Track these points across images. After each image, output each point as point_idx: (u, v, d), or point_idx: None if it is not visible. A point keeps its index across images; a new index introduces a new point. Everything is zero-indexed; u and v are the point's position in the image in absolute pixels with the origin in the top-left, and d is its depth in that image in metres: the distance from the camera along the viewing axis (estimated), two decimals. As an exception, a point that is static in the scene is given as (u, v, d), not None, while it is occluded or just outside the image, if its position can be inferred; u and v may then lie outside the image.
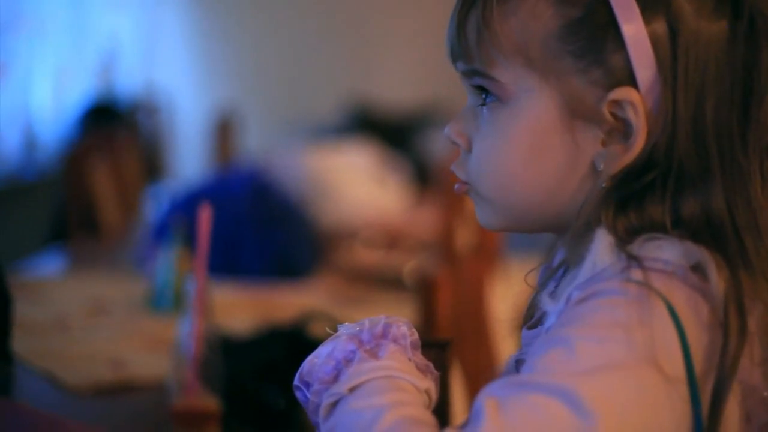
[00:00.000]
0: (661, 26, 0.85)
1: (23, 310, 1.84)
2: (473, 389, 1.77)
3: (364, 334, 0.88)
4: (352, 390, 0.83)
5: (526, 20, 0.87)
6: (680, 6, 0.85)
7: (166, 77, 5.86)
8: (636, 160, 0.86)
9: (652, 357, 0.77)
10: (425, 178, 4.04)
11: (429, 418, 0.81)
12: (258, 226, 2.43)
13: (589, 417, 0.74)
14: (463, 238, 2.67)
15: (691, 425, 0.79)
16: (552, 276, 0.94)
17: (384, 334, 0.88)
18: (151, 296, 2.12)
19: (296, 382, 0.89)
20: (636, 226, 0.85)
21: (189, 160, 5.70)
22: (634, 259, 0.82)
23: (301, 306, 2.04)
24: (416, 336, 0.90)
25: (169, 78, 5.87)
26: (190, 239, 1.98)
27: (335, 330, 0.91)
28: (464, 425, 0.77)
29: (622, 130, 0.86)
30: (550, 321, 0.85)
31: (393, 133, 4.81)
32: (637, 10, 0.85)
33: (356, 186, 3.18)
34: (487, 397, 0.77)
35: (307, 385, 0.88)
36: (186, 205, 2.31)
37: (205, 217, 1.36)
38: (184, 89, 5.91)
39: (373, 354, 0.86)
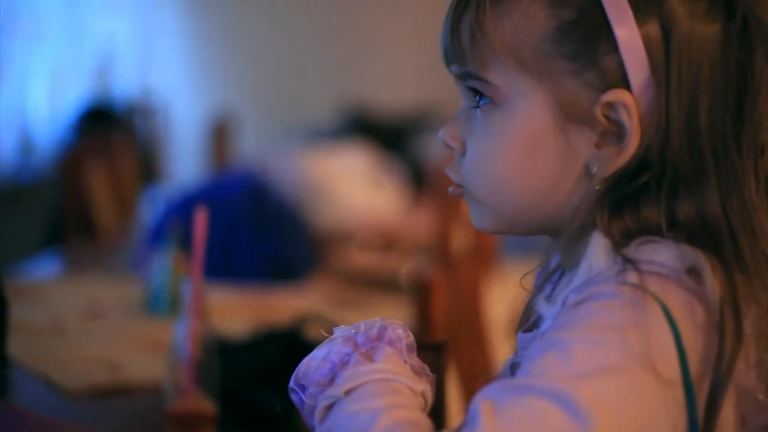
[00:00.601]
0: (654, 28, 0.85)
1: (20, 313, 1.84)
2: (469, 391, 1.78)
3: (360, 337, 0.88)
4: (348, 393, 0.83)
5: (519, 22, 0.87)
6: (673, 7, 0.85)
7: (162, 80, 5.86)
8: (629, 162, 0.86)
9: (647, 359, 0.77)
10: (421, 180, 4.03)
11: (425, 420, 0.81)
12: (254, 228, 2.44)
13: (585, 420, 0.74)
14: (459, 240, 2.67)
15: (687, 428, 0.79)
16: (548, 279, 0.94)
17: (380, 337, 0.88)
18: (147, 299, 2.12)
19: (292, 384, 0.89)
20: (631, 228, 0.85)
21: (185, 163, 5.70)
22: (629, 262, 0.82)
23: (297, 308, 2.04)
24: (412, 338, 0.90)
25: (166, 81, 5.87)
26: (186, 242, 1.98)
27: (331, 333, 0.91)
28: (460, 428, 0.77)
29: (616, 132, 0.86)
30: (546, 324, 0.85)
31: (389, 136, 4.81)
32: (630, 12, 0.85)
33: (352, 189, 3.18)
34: (483, 400, 0.77)
35: (303, 387, 0.88)
36: (182, 208, 2.31)
37: (201, 220, 1.36)
38: (181, 92, 5.91)
39: (369, 357, 0.86)
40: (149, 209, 3.21)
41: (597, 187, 0.87)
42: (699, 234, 0.85)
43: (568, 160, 0.88)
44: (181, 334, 1.35)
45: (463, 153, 0.92)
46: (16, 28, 4.66)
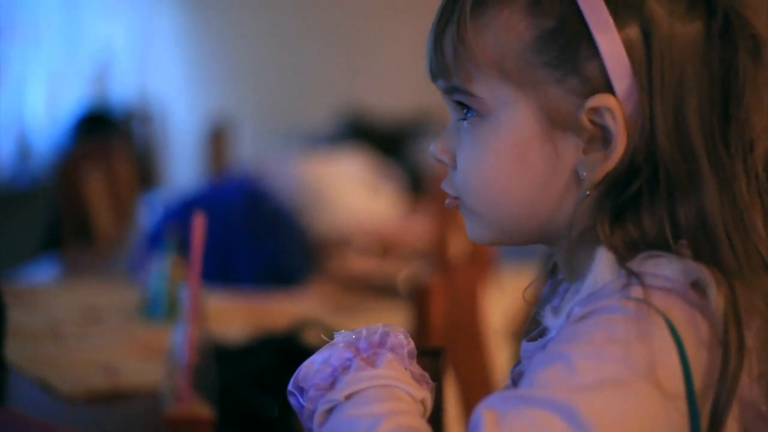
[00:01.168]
0: (634, 31, 0.85)
1: (17, 318, 1.84)
2: (467, 397, 1.78)
3: (362, 343, 0.88)
4: (348, 397, 0.84)
5: (500, 34, 0.88)
6: (652, 9, 0.85)
7: (159, 85, 5.86)
8: (618, 166, 0.86)
9: (650, 373, 0.77)
10: (418, 186, 4.04)
11: (425, 427, 0.81)
12: (251, 234, 2.44)
13: (591, 431, 0.74)
14: (457, 246, 2.67)
15: None
16: (555, 289, 0.95)
17: (381, 343, 0.88)
18: (144, 304, 2.12)
19: (290, 387, 0.89)
20: (635, 238, 0.85)
21: (183, 168, 5.70)
22: (634, 276, 0.82)
23: (295, 314, 2.04)
24: (413, 345, 0.90)
25: (163, 86, 5.87)
26: (183, 247, 1.98)
27: (331, 337, 0.91)
28: None
29: (602, 137, 0.86)
30: (550, 335, 0.85)
31: (386, 141, 4.81)
32: (609, 18, 0.85)
33: (350, 194, 3.18)
34: (485, 409, 0.77)
35: (302, 390, 0.88)
36: (180, 214, 2.32)
37: (198, 225, 1.36)
38: (178, 97, 5.91)
39: (371, 362, 0.87)
40: (147, 214, 3.21)
41: (588, 193, 0.87)
42: (701, 238, 0.85)
43: (556, 166, 0.88)
44: (178, 339, 1.35)
45: (455, 166, 0.93)
46: (14, 33, 4.66)
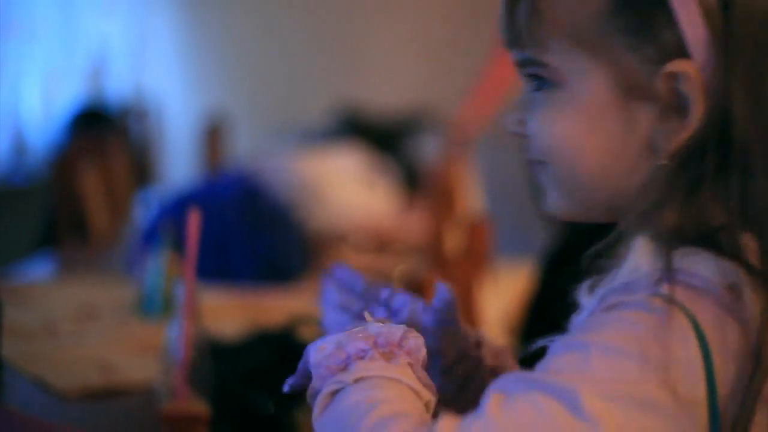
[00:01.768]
0: (713, 1, 0.84)
1: (12, 315, 1.84)
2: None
3: (381, 339, 0.89)
4: (356, 381, 0.85)
5: (574, 1, 0.87)
6: None
7: (155, 82, 5.85)
8: (693, 137, 0.84)
9: (665, 376, 0.76)
10: (414, 182, 4.04)
11: (422, 416, 0.82)
12: (247, 230, 2.44)
13: (590, 422, 0.74)
14: (453, 241, 2.67)
15: None
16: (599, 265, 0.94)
17: (400, 344, 0.89)
18: (140, 301, 2.12)
19: (300, 365, 0.91)
20: (692, 225, 0.83)
21: (178, 164, 5.69)
22: (667, 272, 0.80)
23: (290, 310, 2.04)
24: (425, 353, 0.91)
25: (159, 82, 5.87)
26: (179, 243, 1.98)
27: (323, 334, 0.92)
28: (471, 415, 0.78)
29: (677, 105, 0.85)
30: (581, 315, 0.85)
31: (382, 137, 4.81)
32: None
33: (345, 190, 3.18)
34: (494, 391, 0.78)
35: (305, 371, 0.89)
36: (175, 210, 2.32)
37: (193, 221, 1.36)
38: (174, 93, 5.90)
39: (386, 358, 0.87)
40: (143, 211, 3.21)
41: (663, 163, 0.85)
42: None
43: (630, 134, 0.87)
44: (174, 335, 1.35)
45: (527, 134, 0.92)
46: (10, 30, 4.66)
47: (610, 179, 0.89)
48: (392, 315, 1.04)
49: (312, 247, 2.67)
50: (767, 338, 0.79)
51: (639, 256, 0.83)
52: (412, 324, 0.99)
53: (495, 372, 1.01)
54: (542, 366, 0.79)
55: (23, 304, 2.16)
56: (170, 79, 5.92)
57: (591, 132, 0.87)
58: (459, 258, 2.23)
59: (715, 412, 0.78)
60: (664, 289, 0.79)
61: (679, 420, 0.77)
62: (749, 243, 0.83)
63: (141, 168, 4.88)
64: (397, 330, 0.89)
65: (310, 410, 0.88)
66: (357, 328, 0.90)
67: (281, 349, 1.63)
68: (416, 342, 0.89)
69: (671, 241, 0.82)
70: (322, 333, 0.94)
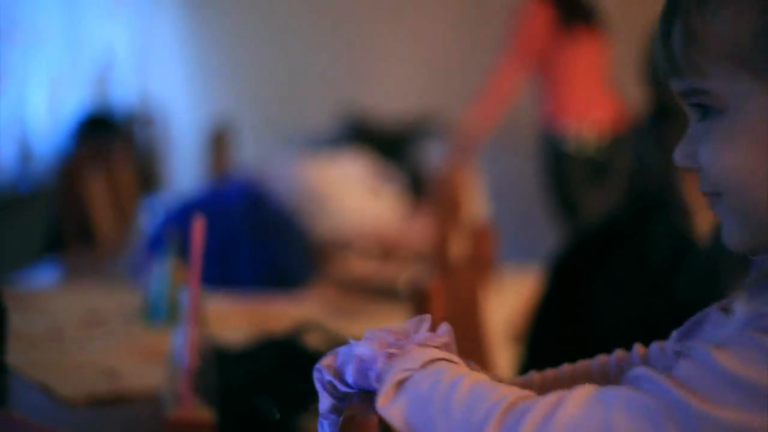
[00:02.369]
0: None
1: (18, 322, 1.84)
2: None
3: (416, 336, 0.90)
4: (424, 366, 0.85)
5: (730, 22, 0.85)
6: None
7: (161, 88, 5.87)
8: None
9: None
10: (419, 188, 4.04)
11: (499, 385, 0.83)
12: (252, 236, 2.44)
13: None
14: (457, 248, 2.68)
15: None
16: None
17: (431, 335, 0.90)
18: (145, 307, 2.12)
19: (320, 365, 0.92)
20: None
21: (184, 171, 5.70)
22: None
23: (295, 317, 2.04)
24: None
25: (164, 89, 5.88)
26: (184, 250, 1.98)
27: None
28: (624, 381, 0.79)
29: None
30: (735, 323, 0.83)
31: (387, 143, 4.82)
32: None
33: (351, 197, 3.18)
34: (627, 386, 0.78)
35: (339, 375, 0.91)
36: (181, 217, 2.32)
37: (198, 228, 1.36)
38: (179, 100, 5.91)
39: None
40: (148, 217, 3.21)
41: None
42: None
43: None
44: (179, 342, 1.35)
45: (701, 168, 0.89)
46: (15, 36, 4.67)
47: None
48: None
49: (317, 254, 2.68)
50: None
51: None
52: None
53: None
54: (685, 370, 0.78)
55: (29, 310, 2.16)
56: (176, 86, 5.93)
57: (763, 156, 0.84)
58: (463, 264, 2.23)
59: None
60: None
61: None
62: None
63: (146, 175, 4.89)
64: (421, 322, 0.91)
65: (314, 416, 0.88)
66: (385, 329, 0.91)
67: (286, 355, 1.63)
68: (446, 329, 0.91)
69: None
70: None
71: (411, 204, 3.62)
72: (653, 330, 1.02)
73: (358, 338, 0.94)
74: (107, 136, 4.55)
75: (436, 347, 0.88)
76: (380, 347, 0.88)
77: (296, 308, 2.26)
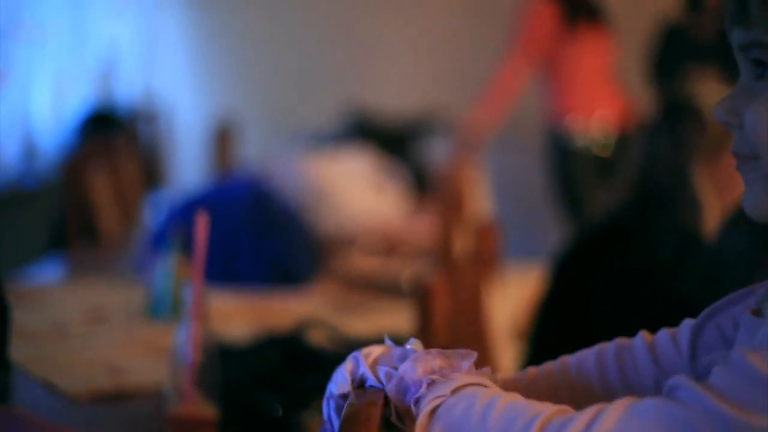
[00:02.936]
0: None
1: (22, 318, 1.84)
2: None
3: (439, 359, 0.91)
4: (454, 392, 0.86)
5: None
6: None
7: (165, 85, 5.87)
8: None
9: None
10: (423, 185, 4.04)
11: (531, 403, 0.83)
12: (256, 233, 2.44)
13: None
14: (461, 244, 2.67)
15: None
16: None
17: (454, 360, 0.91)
18: (149, 304, 2.12)
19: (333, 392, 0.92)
20: None
21: (188, 167, 5.70)
22: None
23: (299, 313, 2.05)
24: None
25: (169, 86, 5.88)
26: (188, 247, 1.99)
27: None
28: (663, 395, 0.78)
29: None
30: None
31: (391, 140, 4.81)
32: None
33: (354, 193, 3.18)
34: (662, 398, 0.77)
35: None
36: (185, 213, 2.32)
37: (201, 225, 1.36)
38: (184, 97, 5.92)
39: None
40: (152, 214, 3.22)
41: None
42: None
43: None
44: (182, 338, 1.36)
45: (742, 126, 0.86)
46: (20, 33, 4.67)
47: None
48: None
49: (321, 251, 2.68)
50: None
51: None
52: None
53: None
54: (722, 378, 0.76)
55: (33, 306, 2.17)
56: (180, 83, 5.94)
57: None
58: (467, 261, 2.23)
59: None
60: None
61: None
62: None
63: (150, 171, 4.89)
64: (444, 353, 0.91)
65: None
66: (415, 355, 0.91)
67: (289, 352, 1.63)
68: (466, 353, 0.91)
69: None
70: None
71: (415, 200, 3.62)
72: (657, 328, 1.02)
73: (398, 342, 0.94)
74: (111, 133, 4.56)
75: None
76: (424, 372, 0.89)
77: (300, 305, 2.26)
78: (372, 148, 4.09)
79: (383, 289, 2.42)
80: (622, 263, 2.02)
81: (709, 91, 2.01)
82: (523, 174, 5.46)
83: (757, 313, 0.89)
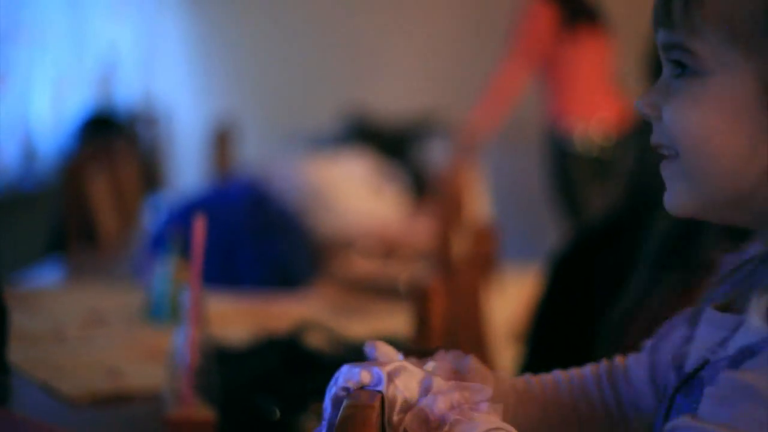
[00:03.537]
0: None
1: (21, 321, 1.85)
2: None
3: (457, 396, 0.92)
4: None
5: None
6: None
7: (164, 88, 5.87)
8: None
9: None
10: (422, 187, 4.04)
11: None
12: (255, 235, 2.44)
13: None
14: (460, 247, 2.68)
15: None
16: (740, 268, 0.93)
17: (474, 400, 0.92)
18: (148, 306, 2.12)
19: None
20: None
21: (187, 170, 5.71)
22: None
23: (298, 316, 2.05)
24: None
25: (168, 88, 5.89)
26: (187, 250, 1.99)
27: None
28: None
29: None
30: (751, 335, 0.83)
31: (390, 142, 4.82)
32: None
33: (353, 196, 3.18)
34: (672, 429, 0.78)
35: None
36: (184, 216, 2.32)
37: (199, 228, 1.37)
38: (183, 99, 5.92)
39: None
40: (151, 217, 3.22)
41: None
42: None
43: (767, 136, 0.85)
44: (180, 341, 1.36)
45: (659, 118, 0.90)
46: (19, 36, 4.67)
47: (740, 182, 0.86)
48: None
49: (320, 253, 2.68)
50: None
51: None
52: None
53: None
54: (713, 410, 0.78)
55: (31, 309, 2.17)
56: (179, 85, 5.94)
57: (729, 129, 0.86)
58: (466, 263, 2.23)
59: None
60: None
61: None
62: None
63: (150, 174, 4.89)
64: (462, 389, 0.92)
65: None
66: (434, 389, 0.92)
67: (288, 355, 1.64)
68: (482, 390, 0.92)
69: None
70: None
71: (414, 203, 3.62)
72: (653, 327, 1.03)
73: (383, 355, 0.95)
74: (111, 136, 4.56)
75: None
76: (445, 407, 0.90)
77: (298, 307, 2.26)
78: (371, 151, 4.09)
79: (382, 291, 2.42)
80: (617, 264, 2.02)
81: None
82: (522, 176, 5.46)
83: (725, 308, 0.90)
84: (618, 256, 2.04)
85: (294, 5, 5.85)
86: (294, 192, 3.00)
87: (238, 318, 2.14)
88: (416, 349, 0.94)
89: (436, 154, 4.75)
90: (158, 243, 2.33)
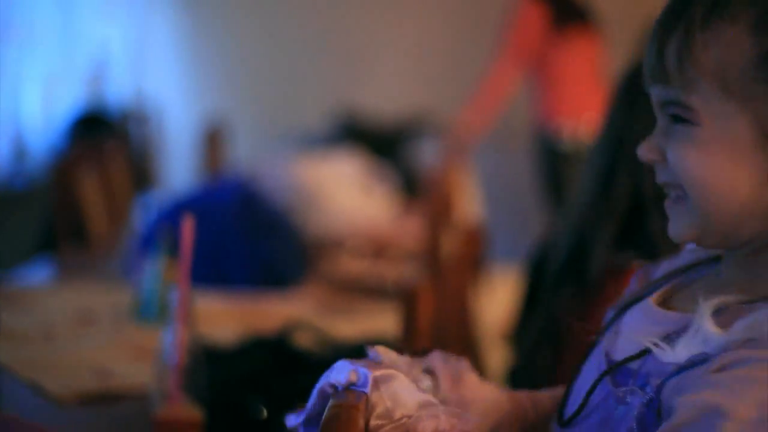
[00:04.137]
0: None
1: (10, 319, 1.85)
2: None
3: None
4: None
5: (726, 49, 0.90)
6: None
7: (155, 87, 5.87)
8: None
9: None
10: (412, 187, 4.05)
11: None
12: (245, 235, 2.44)
13: None
14: (449, 247, 2.68)
15: None
16: (678, 275, 0.98)
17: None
18: (137, 306, 2.12)
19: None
20: None
21: (178, 169, 5.71)
22: None
23: (286, 315, 2.05)
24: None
25: (159, 87, 5.88)
26: (177, 249, 1.99)
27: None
28: None
29: None
30: (705, 345, 0.86)
31: (380, 142, 4.82)
32: None
33: (343, 195, 3.19)
34: None
35: None
36: (174, 215, 2.32)
37: (188, 227, 1.37)
38: (174, 99, 5.92)
39: None
40: (141, 216, 3.22)
41: None
42: None
43: (766, 176, 0.90)
44: (168, 340, 1.36)
45: (664, 161, 0.94)
46: (10, 34, 4.67)
47: (747, 217, 0.91)
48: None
49: (309, 253, 2.68)
50: None
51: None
52: None
53: None
54: (672, 427, 0.81)
55: (21, 308, 2.16)
56: (170, 84, 5.94)
57: (729, 168, 0.90)
58: (455, 264, 2.24)
59: None
60: None
61: None
62: None
63: (140, 173, 4.89)
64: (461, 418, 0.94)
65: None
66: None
67: (276, 354, 1.64)
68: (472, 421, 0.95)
69: None
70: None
71: (403, 203, 3.63)
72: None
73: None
74: (101, 135, 4.56)
75: None
76: (430, 431, 0.92)
77: (287, 307, 2.27)
78: (361, 151, 4.09)
79: (370, 291, 2.42)
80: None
81: None
82: (512, 177, 5.47)
83: (662, 304, 0.95)
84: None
85: (284, 5, 5.85)
86: (284, 191, 3.00)
87: (226, 317, 2.14)
88: (412, 350, 0.95)
89: (427, 154, 4.75)
90: (148, 242, 2.33)
